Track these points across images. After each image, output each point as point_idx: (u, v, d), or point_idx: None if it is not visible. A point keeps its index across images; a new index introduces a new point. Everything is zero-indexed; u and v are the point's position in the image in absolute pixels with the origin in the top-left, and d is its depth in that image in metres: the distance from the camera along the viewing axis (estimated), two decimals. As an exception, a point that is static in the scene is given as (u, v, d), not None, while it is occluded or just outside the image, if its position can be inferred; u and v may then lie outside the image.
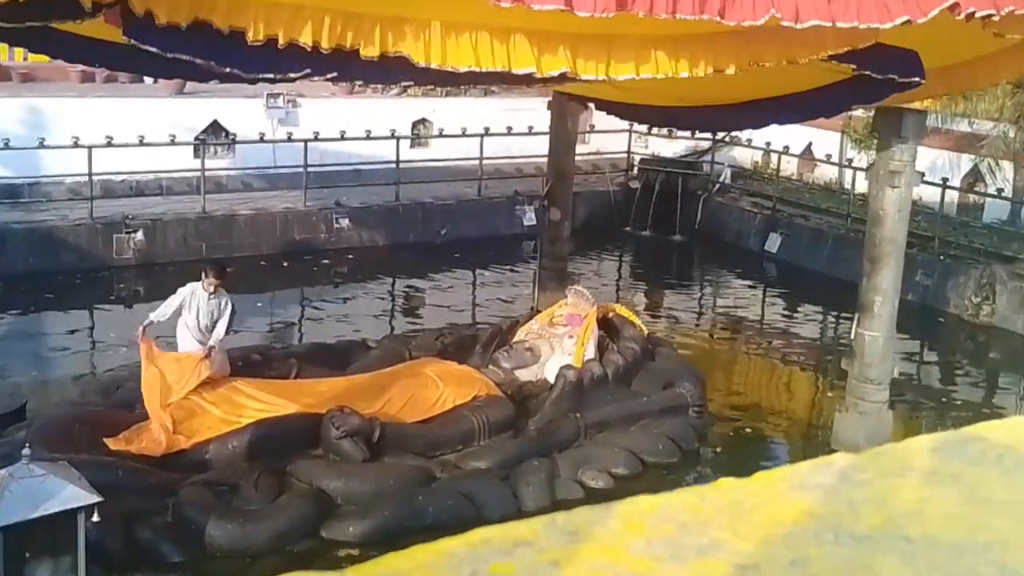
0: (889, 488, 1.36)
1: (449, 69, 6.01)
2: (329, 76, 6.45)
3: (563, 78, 6.42)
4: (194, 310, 8.42)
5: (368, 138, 15.82)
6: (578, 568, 1.14)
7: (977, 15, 6.13)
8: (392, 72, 6.36)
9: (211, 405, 8.15)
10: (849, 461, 1.43)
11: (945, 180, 15.04)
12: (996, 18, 6.18)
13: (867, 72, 7.15)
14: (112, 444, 7.67)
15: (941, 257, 14.19)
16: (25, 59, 16.52)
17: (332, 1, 5.81)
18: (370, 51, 5.88)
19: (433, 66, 5.96)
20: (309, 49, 5.84)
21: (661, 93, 8.07)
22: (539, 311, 10.68)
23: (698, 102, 9.01)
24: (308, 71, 6.09)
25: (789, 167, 17.97)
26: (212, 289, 8.46)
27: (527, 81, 6.82)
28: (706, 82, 6.75)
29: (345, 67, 6.19)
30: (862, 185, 13.46)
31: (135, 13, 5.58)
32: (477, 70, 6.03)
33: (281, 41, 5.75)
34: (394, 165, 15.99)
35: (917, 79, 7.31)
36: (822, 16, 5.87)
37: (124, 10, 5.62)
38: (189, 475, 7.51)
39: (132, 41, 5.74)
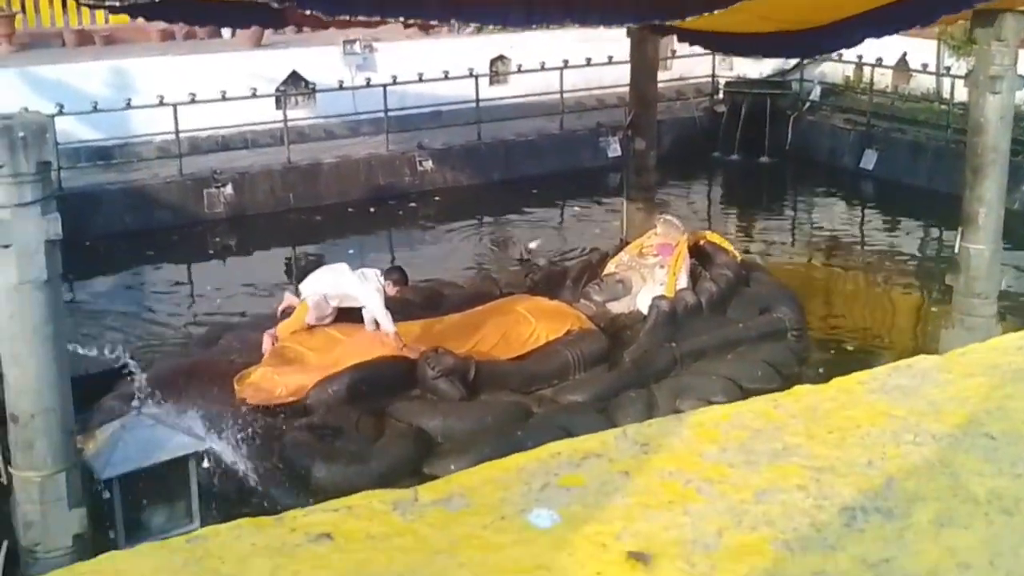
0: (972, 387, 1.33)
1: None
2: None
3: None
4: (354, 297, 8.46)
5: (446, 78, 15.80)
6: (649, 477, 1.15)
7: None
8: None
9: (310, 351, 8.36)
10: (931, 363, 1.40)
11: (1051, 81, 14.39)
12: None
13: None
14: (240, 391, 7.95)
15: (1049, 163, 13.63)
16: (106, 21, 16.88)
17: None
18: None
19: None
20: None
21: (750, 19, 7.87)
22: (628, 242, 10.63)
23: (785, 26, 8.77)
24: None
25: (883, 80, 17.39)
26: (394, 294, 8.55)
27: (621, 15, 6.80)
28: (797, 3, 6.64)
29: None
30: (962, 93, 12.95)
31: None
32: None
33: None
34: (474, 104, 15.96)
35: None
36: None
37: None
38: (292, 420, 7.73)
39: None
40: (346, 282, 8.49)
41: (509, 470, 1.13)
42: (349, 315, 8.80)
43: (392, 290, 8.47)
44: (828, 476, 1.16)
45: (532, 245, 12.55)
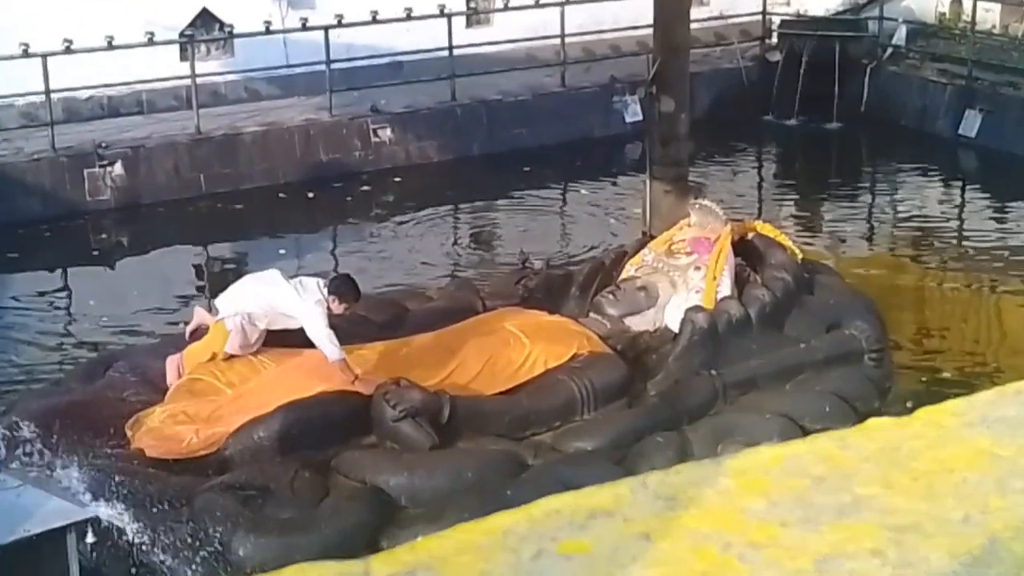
0: (1100, 420, 1.34)
1: None
2: None
3: None
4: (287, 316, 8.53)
5: (409, 18, 15.84)
6: (676, 540, 1.17)
7: None
8: None
9: (228, 386, 8.36)
10: (1047, 388, 1.40)
11: None
12: None
13: None
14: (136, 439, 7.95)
15: None
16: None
17: None
18: None
19: None
20: None
21: None
22: (653, 237, 10.68)
23: None
24: None
25: (989, 17, 17.49)
26: (342, 311, 8.55)
27: None
28: None
29: None
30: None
31: None
32: None
33: None
34: (447, 53, 15.99)
35: None
36: None
37: None
38: (206, 477, 7.73)
39: None
40: (278, 295, 8.51)
41: (492, 533, 1.15)
42: (282, 338, 8.80)
43: (338, 307, 8.48)
44: (912, 537, 1.19)
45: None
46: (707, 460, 1.38)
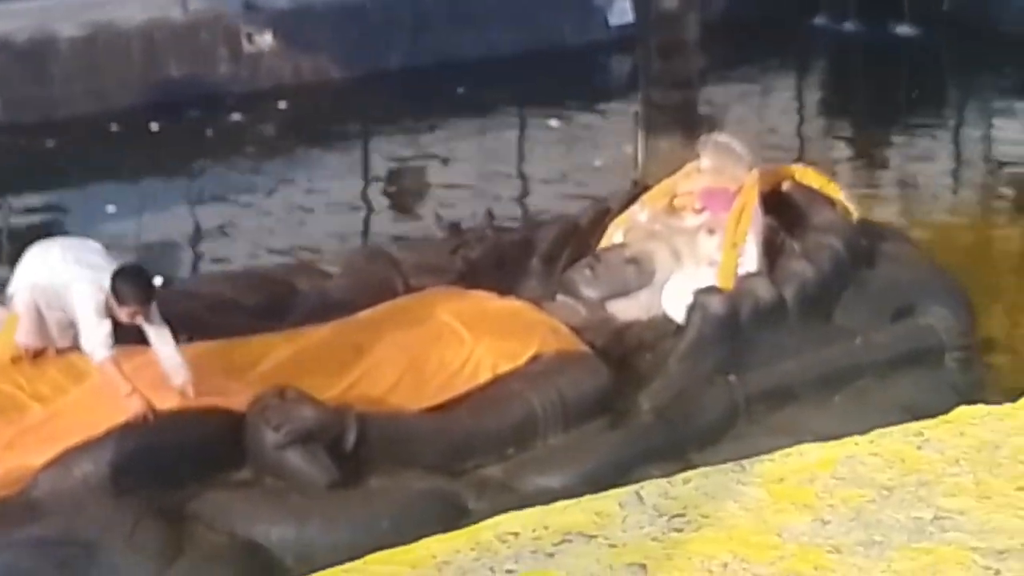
0: None
1: None
2: None
3: None
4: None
5: None
6: (684, 573, 1.18)
7: None
8: None
9: (33, 399, 8.32)
10: None
11: None
12: None
13: None
14: None
15: None
16: None
17: None
18: None
19: None
20: None
21: None
22: (647, 187, 10.73)
23: None
24: None
25: None
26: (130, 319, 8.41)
27: None
28: None
29: None
30: None
31: None
32: None
33: None
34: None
35: None
36: None
37: None
38: (4, 529, 7.72)
39: None
40: (66, 269, 8.45)
41: (421, 566, 1.16)
42: (115, 330, 8.78)
43: (121, 311, 8.29)
44: (1015, 564, 1.21)
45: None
46: (729, 464, 1.38)
